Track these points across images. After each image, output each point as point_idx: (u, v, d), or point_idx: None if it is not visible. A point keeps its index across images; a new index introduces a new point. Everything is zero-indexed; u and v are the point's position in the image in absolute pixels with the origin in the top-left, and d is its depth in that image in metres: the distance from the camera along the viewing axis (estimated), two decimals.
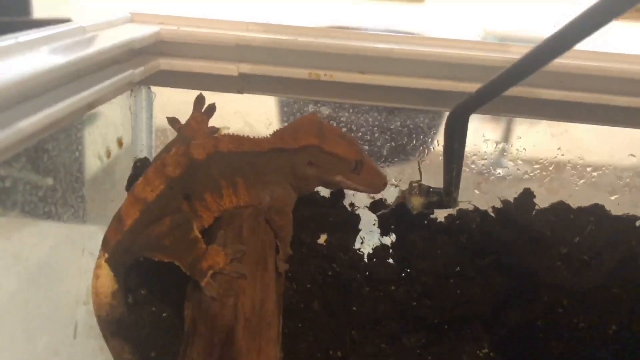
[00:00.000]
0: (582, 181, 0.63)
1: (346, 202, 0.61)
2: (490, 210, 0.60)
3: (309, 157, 0.49)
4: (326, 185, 0.52)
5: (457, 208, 0.60)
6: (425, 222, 0.60)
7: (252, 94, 0.57)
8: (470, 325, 0.58)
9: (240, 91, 0.56)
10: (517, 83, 0.39)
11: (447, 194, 0.55)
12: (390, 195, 0.61)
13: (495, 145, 0.64)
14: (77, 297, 0.55)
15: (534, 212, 0.59)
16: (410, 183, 0.58)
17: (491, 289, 0.58)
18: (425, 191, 0.57)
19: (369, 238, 0.62)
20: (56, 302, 0.53)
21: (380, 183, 0.51)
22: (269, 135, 0.51)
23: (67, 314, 0.54)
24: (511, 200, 0.60)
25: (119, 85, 0.46)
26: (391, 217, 0.61)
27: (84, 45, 0.43)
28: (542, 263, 0.57)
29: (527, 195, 0.60)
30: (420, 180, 0.58)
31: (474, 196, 0.62)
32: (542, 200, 0.60)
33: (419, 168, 0.59)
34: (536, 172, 0.64)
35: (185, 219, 0.47)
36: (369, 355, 0.56)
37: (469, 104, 0.45)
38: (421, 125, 0.65)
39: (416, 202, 0.57)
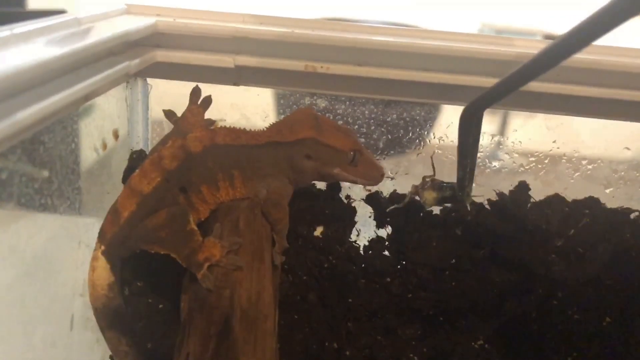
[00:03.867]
0: (577, 174, 0.63)
1: (342, 195, 0.61)
2: (485, 203, 0.60)
3: (306, 150, 0.49)
4: (323, 178, 0.52)
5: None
6: (421, 214, 0.61)
7: (249, 86, 0.57)
8: (466, 317, 0.59)
9: (236, 83, 0.56)
10: (533, 79, 0.39)
11: (460, 189, 0.55)
12: (386, 188, 0.61)
13: (491, 138, 0.64)
14: (74, 289, 0.55)
15: (529, 204, 0.60)
16: (423, 178, 0.58)
17: (486, 281, 0.58)
18: (438, 186, 0.57)
19: (365, 230, 0.62)
20: (53, 294, 0.53)
21: (377, 175, 0.51)
22: (265, 128, 0.51)
23: (63, 306, 0.54)
24: (506, 193, 0.60)
25: (114, 77, 0.46)
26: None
27: (79, 37, 0.43)
28: (537, 255, 0.57)
29: (523, 188, 0.60)
30: (434, 175, 0.58)
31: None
32: (538, 193, 0.60)
33: (432, 164, 0.58)
34: (532, 165, 0.64)
35: (182, 211, 0.48)
36: (365, 347, 0.57)
37: (484, 100, 0.45)
38: (417, 118, 0.65)
39: (429, 196, 0.57)
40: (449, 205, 0.60)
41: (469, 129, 0.49)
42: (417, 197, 0.58)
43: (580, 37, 0.34)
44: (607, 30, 0.32)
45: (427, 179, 0.58)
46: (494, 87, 0.43)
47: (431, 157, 0.59)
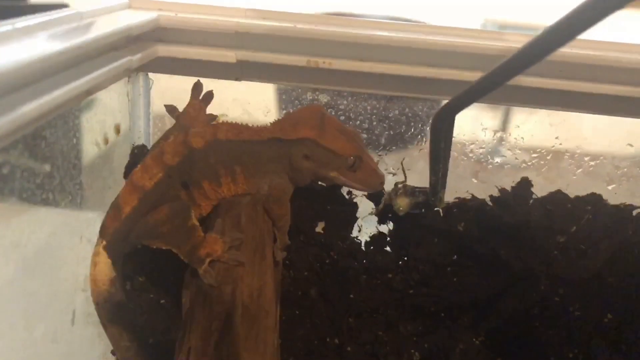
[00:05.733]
0: (579, 170, 0.63)
1: (344, 191, 0.61)
2: (487, 199, 0.60)
3: (304, 150, 0.49)
4: (321, 179, 0.52)
5: (456, 197, 0.60)
6: (423, 210, 0.61)
7: (251, 81, 0.57)
8: (467, 313, 0.59)
9: (238, 78, 0.56)
10: (503, 84, 0.39)
11: (433, 194, 0.55)
12: (387, 184, 0.60)
13: (493, 133, 0.64)
14: (76, 284, 0.55)
15: (532, 201, 0.59)
16: (396, 184, 0.58)
17: (488, 278, 0.58)
18: (411, 191, 0.57)
19: (367, 226, 0.62)
20: (54, 289, 0.53)
21: (376, 182, 0.51)
22: (269, 124, 0.51)
23: (65, 301, 0.54)
24: (509, 189, 0.60)
25: (116, 72, 0.45)
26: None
27: (81, 32, 0.43)
28: (538, 252, 0.57)
29: (525, 184, 0.60)
30: (405, 181, 0.58)
31: (471, 185, 0.62)
32: (540, 190, 0.60)
33: (403, 169, 0.58)
34: (534, 161, 0.64)
35: (184, 206, 0.47)
36: (366, 342, 0.57)
37: (454, 105, 0.45)
38: (420, 113, 0.65)
39: (402, 202, 0.57)
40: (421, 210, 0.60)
41: (441, 134, 0.48)
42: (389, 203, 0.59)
43: (549, 40, 0.34)
44: (569, 38, 0.32)
45: (400, 185, 0.58)
46: (464, 92, 0.43)
47: (401, 163, 0.59)
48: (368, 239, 0.61)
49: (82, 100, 0.45)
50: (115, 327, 0.50)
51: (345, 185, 0.52)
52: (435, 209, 0.59)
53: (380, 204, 0.60)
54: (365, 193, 0.61)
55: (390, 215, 0.61)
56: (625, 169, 0.62)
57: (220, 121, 0.53)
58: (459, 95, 0.43)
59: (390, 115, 0.65)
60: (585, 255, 0.57)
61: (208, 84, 0.56)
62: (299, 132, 0.48)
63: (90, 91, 0.43)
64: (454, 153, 0.61)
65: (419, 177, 0.59)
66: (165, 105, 0.56)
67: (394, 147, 0.65)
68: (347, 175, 0.50)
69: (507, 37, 0.54)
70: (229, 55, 0.53)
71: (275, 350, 0.45)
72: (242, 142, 0.49)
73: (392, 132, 0.65)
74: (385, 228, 0.62)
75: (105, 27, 0.45)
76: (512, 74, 0.38)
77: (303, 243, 0.58)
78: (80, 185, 0.54)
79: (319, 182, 0.59)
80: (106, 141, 0.59)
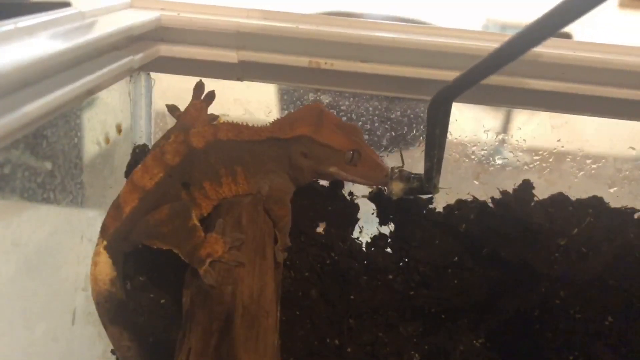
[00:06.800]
0: (581, 173, 0.63)
1: (345, 191, 0.61)
2: (489, 201, 0.60)
3: (302, 148, 0.49)
4: (322, 176, 0.52)
5: (457, 199, 0.60)
6: (424, 212, 0.60)
7: (252, 81, 0.57)
8: (467, 315, 0.59)
9: (240, 78, 0.56)
10: (499, 69, 0.39)
11: (427, 180, 0.55)
12: None
13: (495, 135, 0.64)
14: (76, 283, 0.55)
15: (533, 203, 0.59)
16: (392, 169, 0.58)
17: (489, 280, 0.58)
18: (406, 177, 0.57)
19: (368, 227, 0.62)
20: (55, 288, 0.53)
21: (379, 175, 0.51)
22: (269, 124, 0.51)
23: (65, 300, 0.54)
24: (510, 191, 0.60)
25: (118, 72, 0.45)
26: (386, 207, 0.60)
27: (83, 31, 0.43)
28: (540, 254, 0.57)
29: (526, 186, 0.60)
30: (402, 166, 0.58)
31: (473, 186, 0.62)
32: (541, 192, 0.60)
33: (401, 155, 0.58)
34: (536, 163, 0.63)
35: (184, 206, 0.47)
36: (366, 343, 0.57)
37: (451, 90, 0.44)
38: (421, 114, 0.65)
39: (396, 187, 0.57)
40: (414, 196, 0.59)
41: (436, 120, 0.48)
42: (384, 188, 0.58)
43: (541, 29, 0.34)
44: (571, 20, 0.32)
45: (396, 170, 0.58)
46: (461, 78, 0.42)
47: (400, 151, 0.59)
48: (369, 240, 0.61)
49: (84, 100, 0.45)
50: (116, 327, 0.50)
51: (347, 180, 0.52)
52: (430, 195, 0.58)
53: (373, 189, 0.59)
54: (367, 194, 0.61)
55: (391, 216, 0.61)
56: (627, 172, 0.62)
57: (222, 121, 0.53)
58: (455, 80, 0.43)
59: (392, 116, 0.65)
60: (586, 258, 0.57)
61: (210, 83, 0.56)
62: (295, 130, 0.48)
63: (92, 91, 0.43)
64: (455, 155, 0.62)
65: None
66: (167, 105, 0.56)
67: (395, 149, 0.65)
68: (347, 170, 0.50)
69: (507, 38, 0.54)
70: (231, 56, 0.53)
71: (276, 351, 0.45)
72: (242, 142, 0.49)
73: (393, 134, 0.65)
74: (386, 229, 0.62)
75: (107, 26, 0.45)
76: (509, 59, 0.38)
77: (304, 244, 0.58)
78: (81, 185, 0.54)
79: (321, 182, 0.59)
80: (107, 140, 0.59)
